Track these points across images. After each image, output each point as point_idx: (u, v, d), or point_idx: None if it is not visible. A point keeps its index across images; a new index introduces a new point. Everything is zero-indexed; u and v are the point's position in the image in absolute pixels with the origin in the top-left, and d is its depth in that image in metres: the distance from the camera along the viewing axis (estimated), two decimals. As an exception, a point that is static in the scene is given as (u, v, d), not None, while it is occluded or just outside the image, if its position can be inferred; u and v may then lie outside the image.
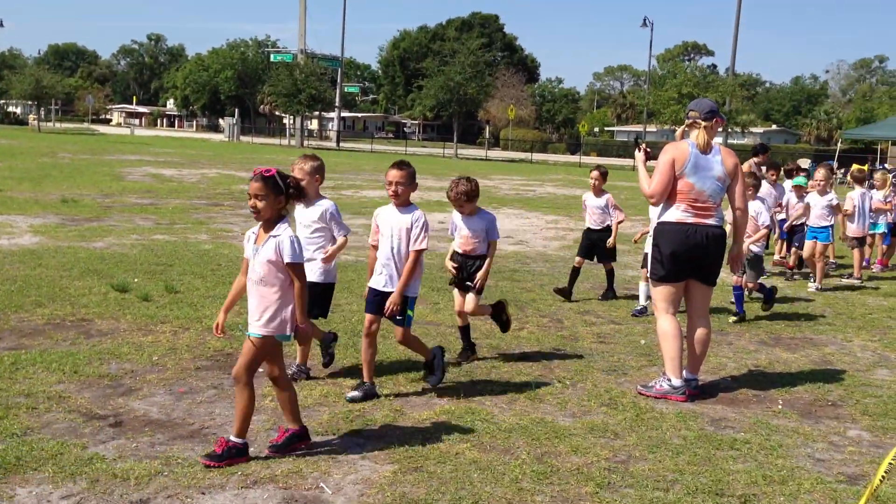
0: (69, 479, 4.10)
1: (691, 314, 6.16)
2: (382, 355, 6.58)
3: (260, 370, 4.67)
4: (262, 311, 4.43)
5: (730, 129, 50.58)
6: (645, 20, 66.34)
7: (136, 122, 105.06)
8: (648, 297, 8.62)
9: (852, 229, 12.19)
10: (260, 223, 4.49)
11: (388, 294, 5.48)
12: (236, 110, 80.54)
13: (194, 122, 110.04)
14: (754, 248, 8.78)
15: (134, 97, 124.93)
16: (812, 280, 11.02)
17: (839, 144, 51.98)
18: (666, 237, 5.91)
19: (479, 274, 6.46)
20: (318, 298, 5.80)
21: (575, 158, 62.34)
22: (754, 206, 8.51)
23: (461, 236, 6.51)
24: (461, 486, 4.26)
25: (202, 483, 4.15)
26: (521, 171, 40.53)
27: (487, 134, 78.54)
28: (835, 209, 10.99)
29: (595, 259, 9.54)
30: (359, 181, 26.44)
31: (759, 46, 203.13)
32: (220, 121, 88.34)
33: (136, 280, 8.91)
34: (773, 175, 11.91)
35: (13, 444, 4.46)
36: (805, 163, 37.37)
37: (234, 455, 4.39)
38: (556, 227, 17.06)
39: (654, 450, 4.88)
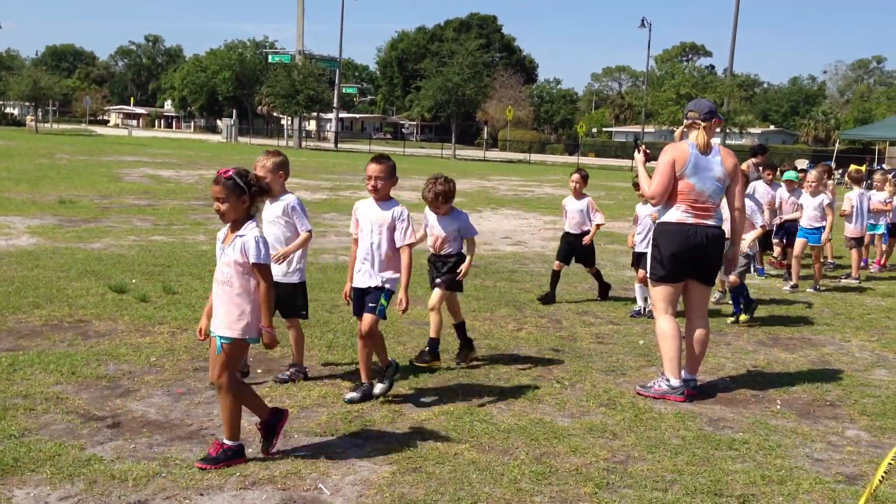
0: (67, 480, 4.09)
1: (690, 314, 6.16)
2: (381, 356, 6.57)
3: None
4: (228, 312, 4.33)
5: (728, 130, 50.62)
6: (643, 21, 66.37)
7: (134, 123, 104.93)
8: (645, 298, 8.64)
9: (850, 229, 12.20)
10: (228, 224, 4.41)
11: (370, 290, 5.41)
12: (234, 111, 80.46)
13: (192, 124, 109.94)
14: (746, 249, 8.78)
15: (131, 98, 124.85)
16: (786, 279, 11.05)
17: (837, 145, 52.04)
18: (666, 238, 5.91)
19: (463, 267, 6.36)
20: (293, 297, 5.78)
21: (573, 159, 62.36)
22: (748, 205, 8.52)
23: (433, 235, 6.45)
24: (460, 486, 4.26)
25: (200, 484, 4.14)
26: (520, 172, 40.54)
27: (486, 135, 78.64)
28: (826, 210, 10.89)
29: (574, 261, 9.39)
30: (357, 182, 26.44)
31: (757, 47, 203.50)
32: (218, 122, 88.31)
33: (133, 281, 8.90)
34: (769, 175, 11.90)
35: (11, 446, 4.45)
36: (803, 163, 37.45)
37: (230, 457, 4.38)
38: (555, 228, 17.05)
39: (653, 450, 4.88)
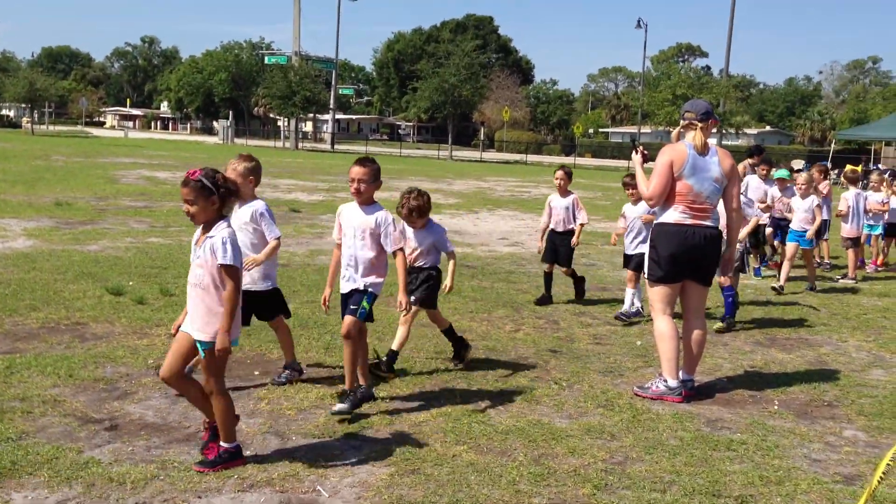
0: (65, 483, 4.08)
1: (687, 315, 6.17)
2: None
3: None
4: (203, 315, 4.27)
5: (724, 131, 50.66)
6: (639, 21, 66.39)
7: (130, 124, 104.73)
8: (633, 302, 8.61)
9: (847, 230, 12.22)
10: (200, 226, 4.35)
11: (353, 292, 5.31)
12: (230, 113, 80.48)
13: (188, 125, 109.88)
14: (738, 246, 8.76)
15: (128, 100, 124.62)
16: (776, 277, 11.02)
17: (833, 145, 52.14)
18: (664, 238, 5.92)
19: (446, 284, 6.19)
20: (268, 303, 5.71)
21: (570, 160, 62.37)
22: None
23: (409, 247, 6.28)
24: (458, 488, 4.26)
25: (198, 487, 4.13)
26: (516, 173, 40.56)
27: (482, 136, 78.61)
28: (815, 211, 10.83)
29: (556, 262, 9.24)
30: (354, 183, 26.38)
31: (753, 48, 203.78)
32: (215, 123, 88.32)
33: (130, 283, 8.89)
34: (763, 170, 11.85)
35: (8, 449, 4.44)
36: (799, 163, 37.50)
37: (227, 459, 4.37)
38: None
39: (651, 451, 4.88)
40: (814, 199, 10.87)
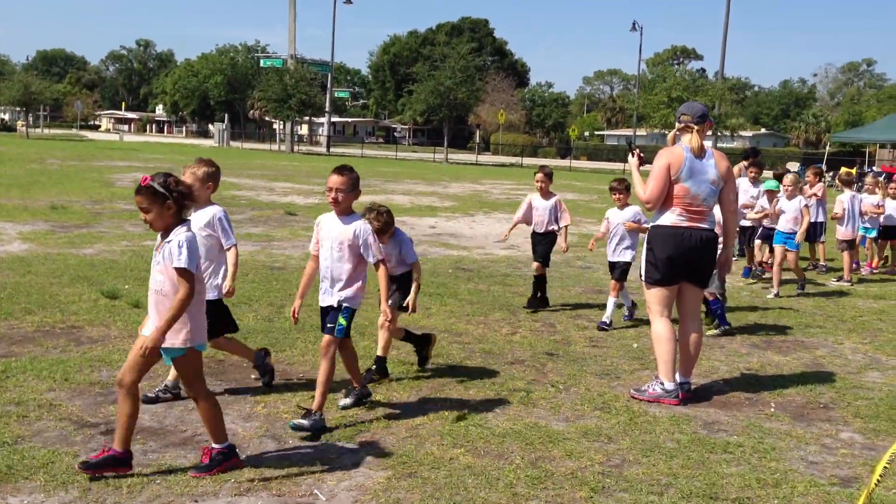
0: (61, 487, 4.07)
1: (683, 317, 6.17)
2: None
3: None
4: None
5: (719, 133, 50.76)
6: (634, 24, 66.65)
7: (125, 128, 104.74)
8: (622, 305, 8.55)
9: (842, 232, 12.24)
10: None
11: (330, 308, 5.15)
12: (226, 116, 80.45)
13: (184, 128, 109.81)
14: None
15: (123, 103, 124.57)
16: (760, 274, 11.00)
17: (828, 148, 52.26)
18: (661, 241, 5.92)
19: (409, 299, 5.98)
20: (220, 315, 5.48)
21: (565, 162, 62.42)
22: None
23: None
24: (455, 491, 4.25)
25: (195, 491, 4.12)
26: (512, 176, 40.58)
27: (478, 138, 78.64)
28: (802, 211, 10.69)
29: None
30: (349, 186, 26.38)
31: (747, 50, 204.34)
32: (210, 126, 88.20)
33: (126, 287, 8.87)
34: (752, 173, 11.79)
35: (4, 453, 4.43)
36: (794, 166, 37.59)
37: (222, 461, 4.35)
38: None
39: (648, 454, 4.88)
40: (801, 200, 10.74)
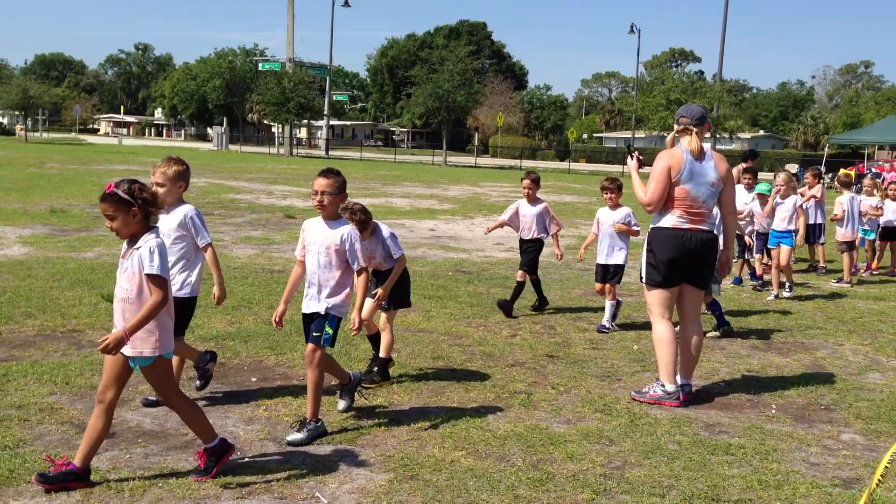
0: (63, 491, 4.06)
1: (684, 319, 6.17)
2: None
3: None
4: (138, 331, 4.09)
5: (718, 135, 50.81)
6: (632, 27, 66.65)
7: (124, 131, 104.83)
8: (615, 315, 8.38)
9: (841, 233, 12.24)
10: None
11: (315, 315, 5.00)
12: (225, 119, 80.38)
13: (182, 132, 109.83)
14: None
15: (121, 107, 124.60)
16: (760, 287, 10.74)
17: (826, 149, 52.32)
18: (661, 243, 5.93)
19: (380, 293, 6.01)
20: (188, 314, 5.34)
21: (564, 165, 62.47)
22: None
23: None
24: (457, 494, 4.25)
25: (197, 494, 4.12)
26: (511, 178, 40.60)
27: (476, 141, 78.67)
28: (798, 212, 10.60)
29: (521, 264, 8.94)
30: (348, 189, 26.36)
31: (745, 52, 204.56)
32: (209, 130, 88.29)
33: (126, 290, 8.86)
34: (747, 179, 11.68)
35: (6, 457, 4.43)
36: (793, 167, 37.63)
37: (218, 459, 4.32)
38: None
39: (650, 456, 4.89)
40: (795, 199, 10.67)
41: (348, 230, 5.02)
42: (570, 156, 71.21)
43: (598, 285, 8.39)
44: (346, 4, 64.22)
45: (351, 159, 58.48)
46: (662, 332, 5.97)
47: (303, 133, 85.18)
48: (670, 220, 5.91)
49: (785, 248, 10.47)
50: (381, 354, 6.18)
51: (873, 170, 34.67)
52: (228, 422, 5.17)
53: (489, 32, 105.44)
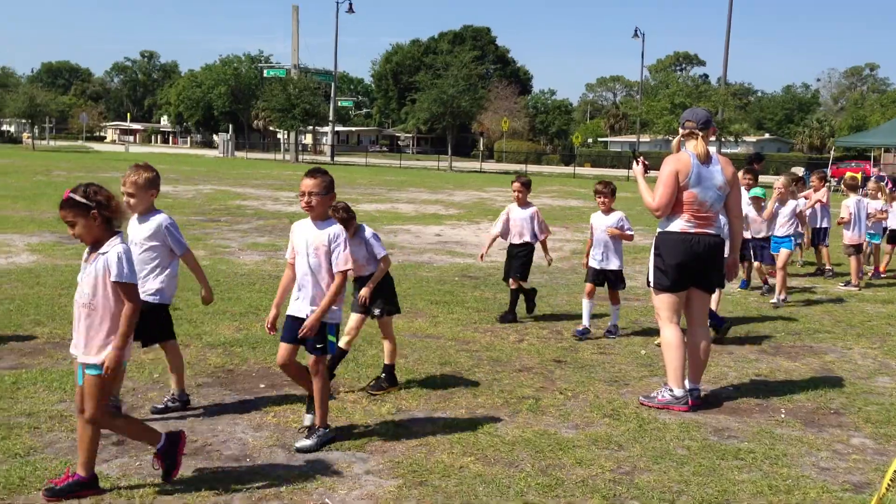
0: (74, 499, 4.07)
1: (691, 323, 6.17)
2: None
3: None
4: (91, 337, 4.04)
5: (723, 139, 50.77)
6: (636, 31, 66.70)
7: (131, 138, 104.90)
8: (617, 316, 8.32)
9: (848, 237, 12.21)
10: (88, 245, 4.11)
11: (306, 319, 4.87)
12: (230, 126, 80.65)
13: (188, 139, 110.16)
14: None
15: (128, 114, 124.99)
16: (767, 292, 10.61)
17: (832, 152, 52.22)
18: (670, 247, 5.92)
19: (362, 292, 5.91)
20: (147, 320, 5.03)
21: (569, 169, 62.48)
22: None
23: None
24: (466, 499, 4.25)
25: (207, 501, 4.13)
26: (516, 183, 40.60)
27: (482, 146, 78.74)
28: (798, 217, 10.55)
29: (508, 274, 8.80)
30: (354, 195, 26.45)
31: (750, 56, 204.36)
32: (215, 137, 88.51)
33: (134, 297, 8.89)
34: (748, 180, 11.56)
35: (16, 465, 4.44)
36: (799, 171, 37.58)
37: (173, 453, 4.24)
38: (553, 239, 17.07)
39: (659, 461, 4.88)
40: (795, 204, 10.58)
41: (336, 229, 4.91)
42: (576, 160, 71.17)
43: (588, 285, 8.14)
44: (351, 10, 64.40)
45: (356, 165, 58.59)
46: (671, 336, 5.96)
47: (308, 139, 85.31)
48: (678, 224, 5.91)
49: (784, 252, 10.36)
50: (386, 361, 6.17)
51: (881, 173, 34.60)
52: (237, 428, 5.18)
53: (493, 37, 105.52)
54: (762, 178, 12.37)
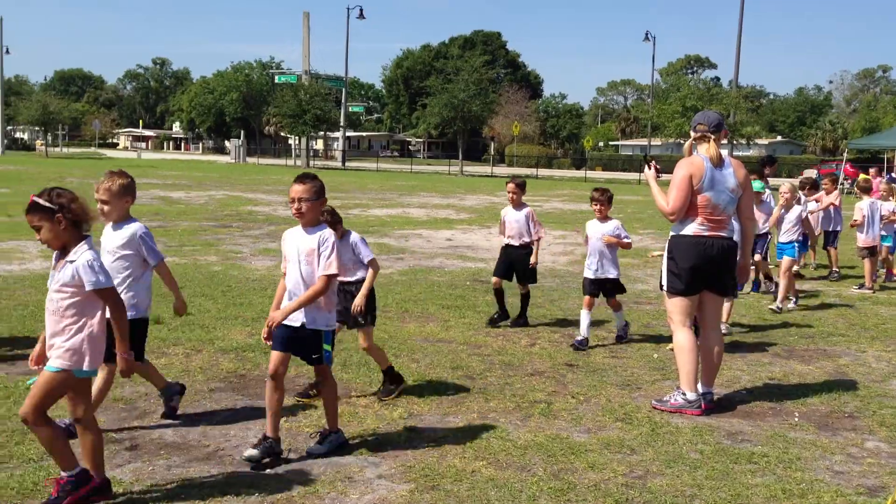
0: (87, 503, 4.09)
1: (704, 326, 6.14)
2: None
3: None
4: (59, 342, 3.97)
5: (735, 142, 50.58)
6: (647, 34, 66.57)
7: (143, 145, 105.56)
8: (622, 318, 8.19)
9: (862, 239, 12.13)
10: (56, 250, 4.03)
11: (299, 329, 4.75)
12: (242, 132, 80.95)
13: (200, 145, 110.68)
14: None
15: (140, 121, 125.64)
16: (773, 294, 10.45)
17: (845, 154, 51.94)
18: (683, 250, 5.91)
19: (357, 300, 5.77)
20: (141, 336, 5.01)
21: (580, 173, 62.38)
22: None
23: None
24: (478, 503, 4.25)
25: (219, 505, 4.14)
26: (527, 187, 40.58)
27: (492, 150, 78.73)
28: (803, 223, 10.39)
29: (514, 279, 8.70)
30: (365, 200, 26.50)
31: (761, 58, 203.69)
32: (226, 143, 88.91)
33: (147, 303, 8.92)
34: (753, 177, 11.45)
35: (30, 470, 4.47)
36: (812, 173, 37.39)
37: (73, 488, 4.02)
38: (564, 242, 17.07)
39: (672, 465, 4.86)
40: (800, 210, 10.46)
41: (326, 233, 4.78)
42: (587, 164, 71.10)
43: (586, 298, 7.88)
44: (361, 16, 64.59)
45: (367, 170, 58.70)
46: (684, 340, 5.94)
47: (319, 145, 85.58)
48: (692, 227, 5.89)
49: (786, 259, 10.14)
50: (382, 367, 6.09)
51: (894, 175, 34.37)
52: (249, 433, 5.19)
53: (504, 42, 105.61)
54: (773, 181, 12.30)
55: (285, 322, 4.73)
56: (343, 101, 69.51)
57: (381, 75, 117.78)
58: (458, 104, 56.40)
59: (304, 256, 4.75)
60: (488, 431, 5.34)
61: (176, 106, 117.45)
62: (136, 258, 5.05)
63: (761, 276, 11.11)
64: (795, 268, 11.24)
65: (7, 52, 74.70)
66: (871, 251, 12.06)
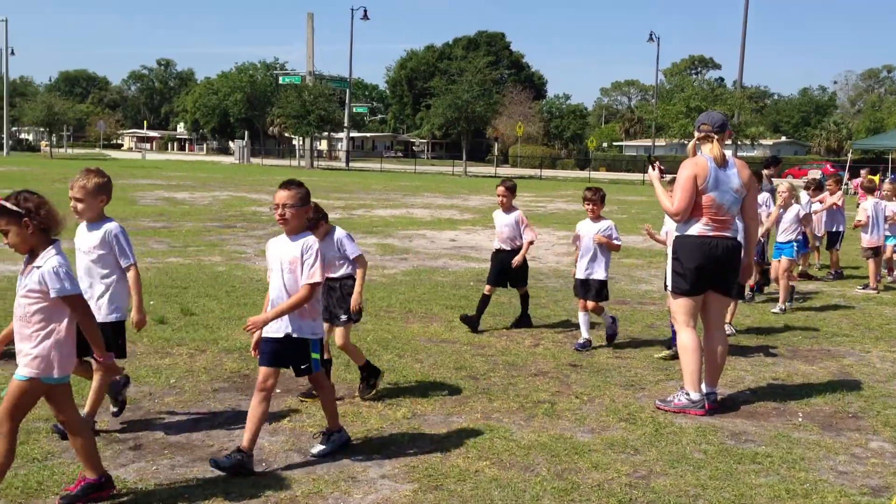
0: (90, 501, 4.10)
1: (709, 326, 6.14)
2: (399, 373, 6.59)
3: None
4: (26, 349, 3.89)
5: (739, 142, 50.50)
6: (651, 35, 66.53)
7: (148, 146, 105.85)
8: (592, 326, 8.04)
9: (866, 240, 12.10)
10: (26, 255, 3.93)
11: (284, 340, 4.66)
12: (246, 133, 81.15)
13: (204, 146, 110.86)
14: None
15: (144, 122, 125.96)
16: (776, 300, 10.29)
17: (850, 155, 51.82)
18: (688, 251, 5.90)
19: (354, 298, 5.69)
20: (110, 340, 4.83)
21: (584, 174, 62.35)
22: None
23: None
24: (482, 503, 4.25)
25: (223, 505, 4.15)
26: (531, 188, 40.56)
27: (496, 151, 78.72)
28: (802, 221, 10.36)
29: (508, 285, 8.61)
30: (369, 200, 26.52)
31: (766, 58, 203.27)
32: (231, 143, 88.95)
33: (151, 303, 8.94)
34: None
35: (35, 469, 4.48)
36: (816, 174, 37.32)
37: None
38: (568, 243, 17.04)
39: (675, 465, 4.85)
40: (798, 209, 10.42)
41: (310, 241, 4.68)
42: (591, 165, 71.11)
43: (580, 302, 7.83)
44: (365, 17, 64.64)
45: (371, 171, 58.74)
46: (688, 340, 5.93)
47: (323, 145, 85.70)
48: (696, 228, 5.89)
49: (784, 259, 10.07)
50: (359, 364, 6.04)
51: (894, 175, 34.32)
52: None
53: (508, 43, 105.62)
54: (776, 181, 12.29)
55: (270, 335, 4.66)
56: (347, 101, 69.60)
57: (385, 76, 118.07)
58: (462, 105, 56.40)
59: (287, 265, 4.66)
60: (492, 431, 5.34)
61: (180, 107, 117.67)
62: (111, 258, 4.95)
63: (758, 278, 11.08)
64: (801, 268, 11.21)
65: (12, 53, 75.01)
66: (876, 251, 12.03)
